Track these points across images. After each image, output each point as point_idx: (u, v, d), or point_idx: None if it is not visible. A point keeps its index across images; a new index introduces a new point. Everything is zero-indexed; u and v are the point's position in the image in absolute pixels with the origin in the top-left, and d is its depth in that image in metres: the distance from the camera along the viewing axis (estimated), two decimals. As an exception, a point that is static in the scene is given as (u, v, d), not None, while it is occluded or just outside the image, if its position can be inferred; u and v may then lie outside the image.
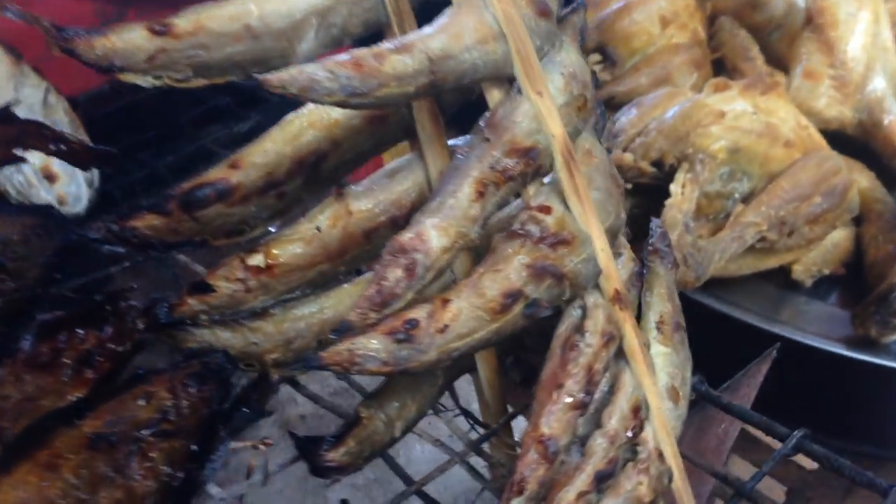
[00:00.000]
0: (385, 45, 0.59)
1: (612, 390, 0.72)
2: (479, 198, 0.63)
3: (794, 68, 1.47)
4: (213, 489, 0.77)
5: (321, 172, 0.75)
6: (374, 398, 0.77)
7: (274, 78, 0.55)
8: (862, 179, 1.37)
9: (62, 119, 1.05)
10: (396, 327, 0.61)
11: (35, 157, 1.00)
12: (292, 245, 0.75)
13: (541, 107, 0.66)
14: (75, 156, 0.69)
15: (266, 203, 0.74)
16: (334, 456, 0.72)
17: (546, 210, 0.68)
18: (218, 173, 0.72)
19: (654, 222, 0.92)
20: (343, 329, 0.58)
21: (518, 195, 0.68)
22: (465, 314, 0.63)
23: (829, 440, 1.39)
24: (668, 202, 1.17)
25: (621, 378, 0.72)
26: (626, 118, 1.31)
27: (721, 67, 1.55)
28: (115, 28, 0.65)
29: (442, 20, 0.63)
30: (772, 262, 1.25)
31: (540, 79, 0.67)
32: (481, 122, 0.66)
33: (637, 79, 1.46)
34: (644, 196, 1.28)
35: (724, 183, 1.25)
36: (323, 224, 0.75)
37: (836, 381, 1.27)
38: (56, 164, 1.05)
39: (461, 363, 0.81)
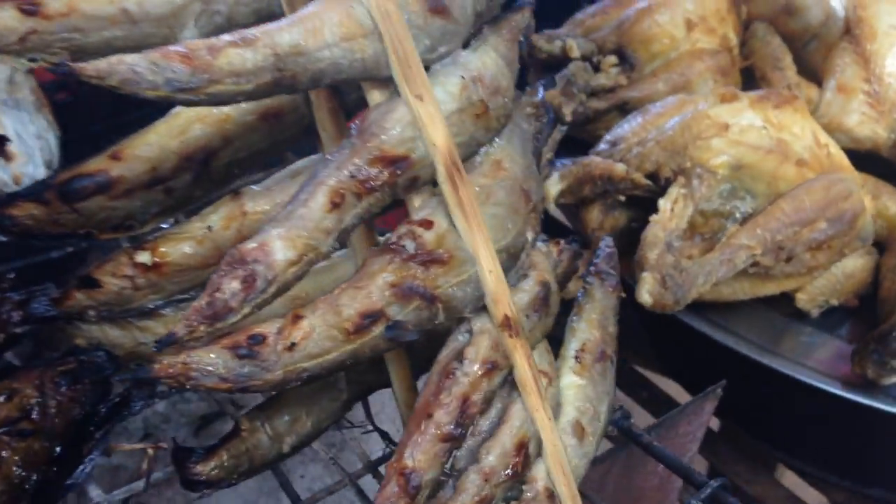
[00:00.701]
0: (224, 37, 0.55)
1: (498, 423, 0.66)
2: (333, 208, 0.58)
3: (826, 81, 1.37)
4: (93, 491, 0.74)
5: (212, 170, 0.71)
6: (262, 409, 0.73)
7: (90, 67, 0.51)
8: (892, 205, 1.27)
9: (27, 97, 1.04)
10: (239, 342, 0.57)
11: (-8, 135, 1.00)
12: (182, 244, 0.71)
13: (420, 112, 0.61)
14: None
15: (152, 198, 0.71)
16: (202, 469, 0.68)
17: (427, 224, 0.62)
18: (98, 164, 0.69)
19: (605, 241, 0.86)
20: (166, 342, 0.54)
21: (392, 206, 0.62)
22: (317, 333, 0.58)
23: (841, 481, 1.29)
24: (652, 218, 1.10)
25: (510, 411, 0.66)
26: (629, 126, 1.24)
27: (752, 76, 1.45)
28: (-15, 6, 0.62)
29: (301, 12, 0.58)
30: (770, 289, 1.16)
31: (421, 82, 0.61)
32: (352, 126, 0.60)
33: (654, 84, 1.38)
34: (641, 209, 1.20)
35: (723, 201, 1.16)
36: (216, 224, 0.71)
37: (836, 421, 1.18)
38: (13, 145, 1.04)
39: (369, 378, 0.76)
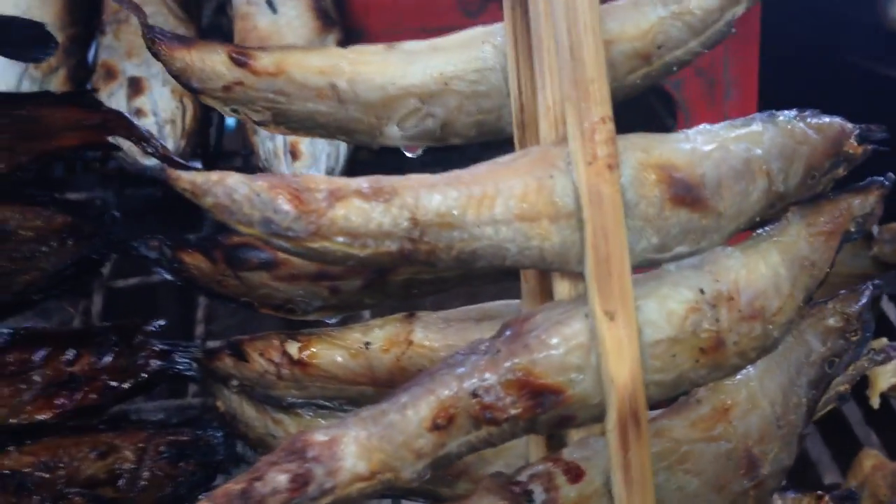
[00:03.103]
0: (358, 183, 0.41)
1: None
2: (435, 429, 0.43)
3: None
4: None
5: (388, 283, 0.60)
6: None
7: (186, 178, 0.41)
8: None
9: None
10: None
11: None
12: (335, 350, 0.61)
13: (605, 335, 0.44)
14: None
15: (316, 292, 0.61)
16: None
17: (575, 474, 0.46)
18: (268, 240, 0.60)
19: None
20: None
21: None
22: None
23: None
24: None
25: None
26: None
27: None
28: (200, 44, 0.56)
29: (477, 167, 0.44)
30: None
31: (621, 294, 0.44)
32: (507, 323, 0.45)
33: None
34: None
35: None
36: (376, 342, 0.60)
37: None
38: (304, 144, 1.00)
39: None
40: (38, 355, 0.61)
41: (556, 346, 0.44)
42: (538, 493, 0.46)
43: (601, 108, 0.43)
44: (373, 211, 0.41)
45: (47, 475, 0.58)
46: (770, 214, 0.53)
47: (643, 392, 0.45)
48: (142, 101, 1.01)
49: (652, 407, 0.47)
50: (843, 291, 0.61)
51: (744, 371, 0.52)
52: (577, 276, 0.46)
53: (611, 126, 0.43)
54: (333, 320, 0.64)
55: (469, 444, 0.44)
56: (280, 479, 0.43)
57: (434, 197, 0.42)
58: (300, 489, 0.43)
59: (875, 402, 0.95)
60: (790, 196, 0.53)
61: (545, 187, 0.43)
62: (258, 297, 0.63)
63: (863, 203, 0.57)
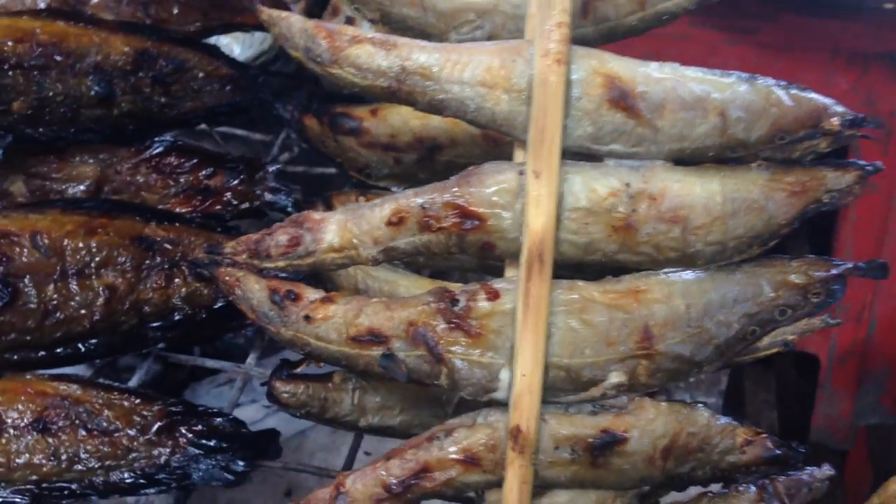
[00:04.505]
0: (371, 34, 0.58)
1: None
2: (391, 224, 0.59)
3: None
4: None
5: (436, 162, 0.76)
6: (363, 378, 0.76)
7: (266, 11, 0.60)
8: None
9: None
10: (279, 289, 0.63)
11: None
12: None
13: (529, 188, 0.58)
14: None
15: (384, 160, 0.78)
16: (279, 386, 0.74)
17: (492, 295, 0.60)
18: (360, 112, 0.79)
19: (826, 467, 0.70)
20: (212, 250, 0.63)
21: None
22: (333, 321, 0.61)
23: None
24: None
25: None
26: None
27: None
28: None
29: (464, 44, 0.59)
30: None
31: (549, 160, 0.57)
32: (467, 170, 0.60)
33: None
34: None
35: None
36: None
37: None
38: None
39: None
40: (188, 164, 0.83)
41: (489, 185, 0.58)
42: (462, 300, 0.60)
43: (560, 16, 0.57)
44: (377, 54, 0.58)
45: (170, 247, 0.79)
46: (732, 158, 0.64)
47: (552, 240, 0.58)
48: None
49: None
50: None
51: (675, 275, 0.63)
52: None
53: (565, 31, 0.57)
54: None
55: (413, 244, 0.60)
56: (282, 238, 0.61)
57: (423, 55, 0.58)
58: (293, 247, 0.61)
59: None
60: (753, 146, 0.63)
61: (506, 66, 0.58)
62: (347, 160, 0.81)
63: (838, 178, 0.65)
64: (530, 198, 0.58)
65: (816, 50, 1.08)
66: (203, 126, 1.09)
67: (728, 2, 1.11)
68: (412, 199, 0.59)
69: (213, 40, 0.87)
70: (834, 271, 0.66)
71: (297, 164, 1.06)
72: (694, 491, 0.71)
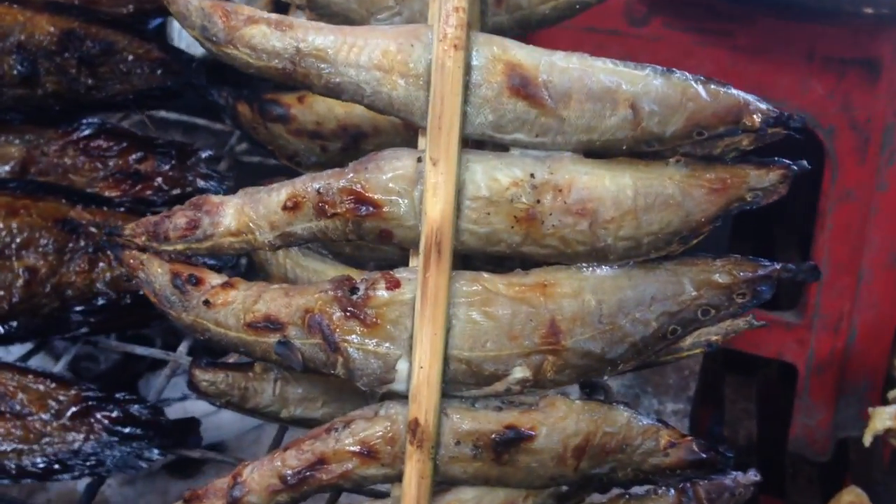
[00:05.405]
0: (266, 14, 0.57)
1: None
2: (287, 209, 0.58)
3: None
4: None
5: (360, 149, 0.75)
6: (285, 370, 0.75)
7: (169, -8, 0.59)
8: None
9: None
10: (181, 273, 0.62)
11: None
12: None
13: (427, 175, 0.56)
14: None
15: (311, 148, 0.77)
16: (198, 374, 0.73)
17: (392, 284, 0.59)
18: (288, 99, 0.78)
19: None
20: (112, 231, 0.62)
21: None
22: (233, 306, 0.61)
23: None
24: None
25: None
26: None
27: None
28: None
29: (362, 27, 0.58)
30: None
31: (447, 148, 0.56)
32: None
33: None
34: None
35: None
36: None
37: None
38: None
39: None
40: (117, 147, 0.82)
41: (386, 172, 0.57)
42: (361, 289, 0.59)
43: (458, 0, 0.55)
44: (272, 35, 0.57)
45: (95, 231, 0.78)
46: (648, 152, 0.62)
47: (450, 229, 0.57)
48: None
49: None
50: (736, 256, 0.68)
51: (588, 270, 0.61)
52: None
53: (463, 16, 0.55)
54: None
55: (310, 230, 0.59)
56: (180, 220, 0.60)
57: (318, 37, 0.57)
58: (191, 231, 0.60)
59: (867, 440, 0.96)
60: (669, 141, 0.61)
61: (403, 50, 0.56)
62: (277, 147, 0.80)
63: (761, 177, 0.63)
64: (428, 185, 0.57)
65: (793, 54, 1.06)
66: (164, 114, 1.09)
67: (704, 4, 1.09)
68: (308, 184, 0.58)
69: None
70: (760, 272, 0.65)
71: (252, 155, 1.05)
72: (616, 493, 0.70)
